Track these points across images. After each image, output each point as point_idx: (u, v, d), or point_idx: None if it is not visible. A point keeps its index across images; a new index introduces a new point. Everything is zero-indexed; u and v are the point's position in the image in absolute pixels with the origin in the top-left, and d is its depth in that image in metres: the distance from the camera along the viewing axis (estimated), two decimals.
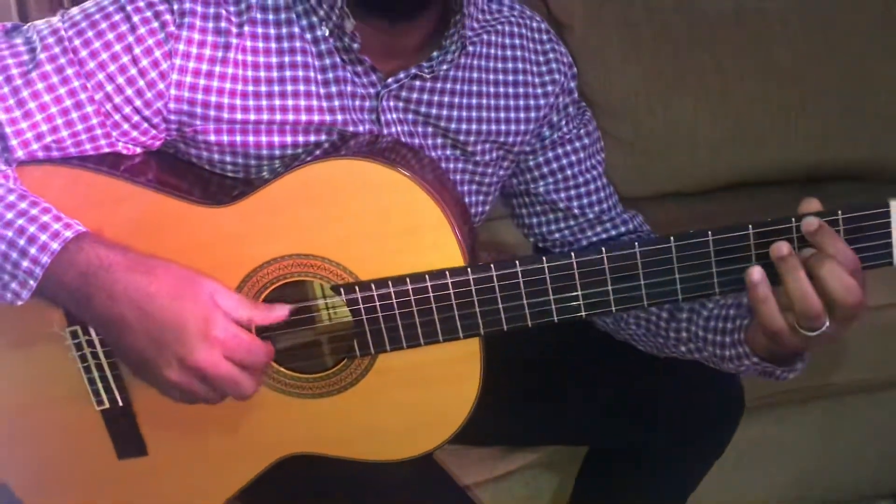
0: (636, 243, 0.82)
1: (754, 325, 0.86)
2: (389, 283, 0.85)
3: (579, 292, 0.84)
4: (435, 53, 0.92)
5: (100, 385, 0.91)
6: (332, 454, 0.93)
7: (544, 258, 0.83)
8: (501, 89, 1.01)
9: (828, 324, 0.78)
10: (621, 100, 1.76)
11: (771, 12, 1.81)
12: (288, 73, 0.89)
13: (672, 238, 0.82)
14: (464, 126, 0.99)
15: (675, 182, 1.82)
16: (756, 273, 0.79)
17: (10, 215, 0.77)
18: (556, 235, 1.08)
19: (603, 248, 0.82)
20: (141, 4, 0.84)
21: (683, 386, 1.08)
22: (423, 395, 0.91)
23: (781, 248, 0.78)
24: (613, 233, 1.08)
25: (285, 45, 0.89)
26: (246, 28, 0.87)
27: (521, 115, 1.02)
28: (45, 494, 0.98)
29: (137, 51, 0.84)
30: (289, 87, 0.89)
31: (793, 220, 0.80)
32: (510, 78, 1.01)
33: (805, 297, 0.77)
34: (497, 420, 1.15)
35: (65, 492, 0.98)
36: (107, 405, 0.92)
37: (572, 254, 0.83)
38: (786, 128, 1.78)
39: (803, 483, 1.59)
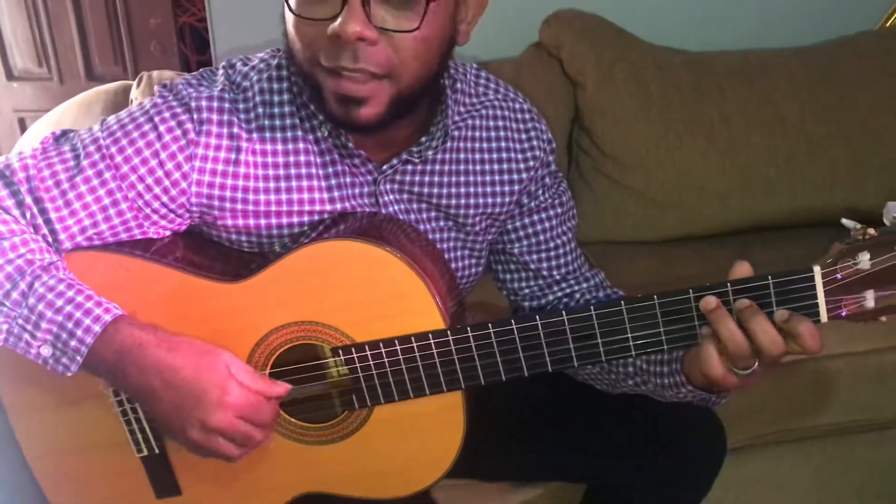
0: (592, 306, 0.93)
1: (689, 360, 0.98)
2: (381, 344, 0.97)
3: (545, 350, 0.95)
4: (423, 139, 1.05)
5: (139, 436, 1.06)
6: (338, 493, 1.06)
7: (513, 320, 0.95)
8: (487, 166, 1.13)
9: (757, 365, 0.90)
10: (633, 152, 1.86)
11: (777, 67, 1.89)
12: (293, 171, 1.03)
13: (623, 301, 0.93)
14: (454, 201, 1.12)
15: (685, 228, 1.90)
16: (705, 329, 0.91)
17: (60, 302, 0.93)
18: (526, 291, 1.20)
19: (563, 311, 0.94)
20: (166, 115, 1.00)
21: (669, 425, 1.17)
22: (415, 442, 1.03)
23: (710, 302, 0.90)
24: (576, 287, 1.19)
25: (290, 146, 1.03)
26: (255, 134, 1.02)
27: (507, 187, 1.14)
28: None
29: (163, 155, 0.99)
30: (294, 182, 1.03)
31: (728, 284, 0.90)
32: (494, 155, 1.13)
33: (735, 341, 0.89)
34: (499, 456, 1.27)
35: None
36: (145, 452, 1.07)
37: (537, 316, 0.94)
38: (792, 176, 1.86)
39: None
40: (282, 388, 0.98)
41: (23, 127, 2.73)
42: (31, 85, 2.71)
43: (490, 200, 1.14)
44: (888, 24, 2.14)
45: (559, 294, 1.20)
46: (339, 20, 0.86)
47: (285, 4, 0.91)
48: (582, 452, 1.24)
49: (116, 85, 1.70)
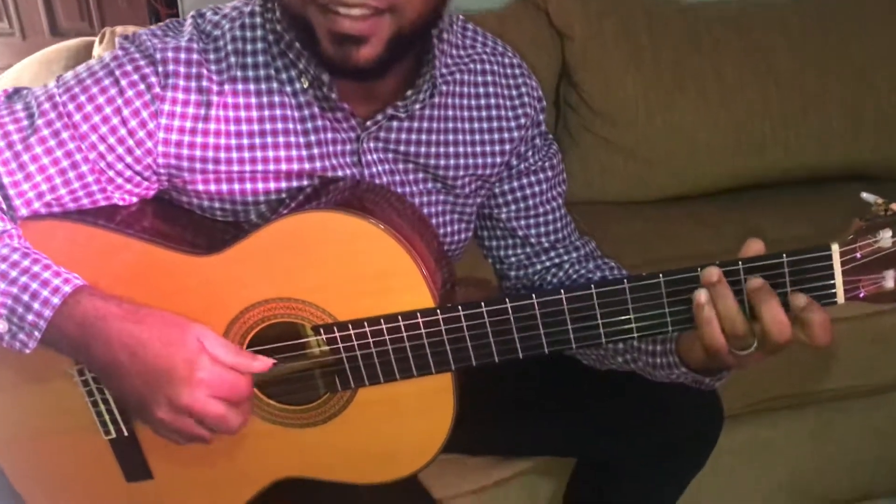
0: (592, 285, 0.87)
1: (685, 339, 0.93)
2: (365, 323, 0.91)
3: (541, 331, 0.89)
4: (409, 92, 0.97)
5: (106, 417, 0.99)
6: (320, 478, 1.00)
7: (507, 299, 0.89)
8: (476, 125, 1.06)
9: (755, 346, 0.85)
10: (622, 107, 1.80)
11: (772, 18, 1.82)
12: (268, 126, 0.95)
13: (626, 280, 0.86)
14: (442, 161, 1.05)
15: (677, 187, 1.85)
16: (702, 296, 0.84)
17: (14, 273, 0.85)
18: (513, 259, 1.14)
19: (562, 291, 0.87)
20: (128, 68, 0.91)
21: (663, 402, 1.12)
22: (401, 425, 0.97)
23: (712, 275, 0.83)
24: (565, 257, 1.14)
25: (265, 99, 0.95)
26: (226, 86, 0.93)
27: (497, 147, 1.07)
28: None
29: (126, 112, 0.91)
30: (269, 139, 0.95)
31: (739, 262, 0.84)
32: (483, 113, 1.06)
33: (731, 319, 0.83)
34: (487, 431, 1.22)
35: None
36: (113, 435, 1.00)
37: (533, 295, 0.88)
38: (786, 132, 1.80)
39: (799, 485, 1.63)
40: (263, 362, 0.90)
41: None
42: None
43: (480, 161, 1.07)
44: None
45: (547, 263, 1.14)
46: None
47: None
48: (571, 425, 1.20)
49: (78, 41, 1.60)
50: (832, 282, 0.83)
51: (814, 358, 1.47)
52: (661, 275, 0.86)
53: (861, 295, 0.84)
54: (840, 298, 0.84)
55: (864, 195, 0.84)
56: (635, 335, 0.88)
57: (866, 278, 0.83)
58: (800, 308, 0.82)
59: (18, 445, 1.03)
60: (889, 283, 0.83)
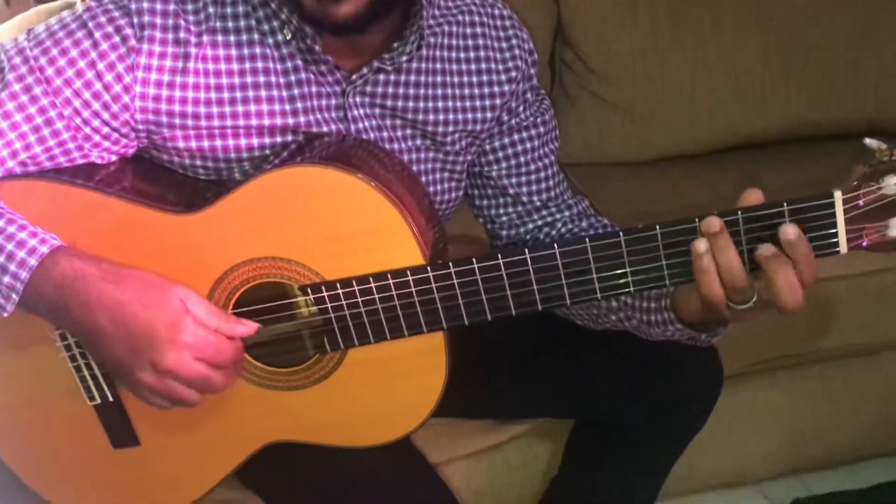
0: (587, 238, 0.84)
1: (680, 294, 0.90)
2: (353, 282, 0.88)
3: (535, 287, 0.87)
4: (395, 44, 0.94)
5: (90, 382, 0.97)
6: (310, 442, 0.98)
7: (500, 255, 0.86)
8: (466, 78, 1.03)
9: (755, 300, 0.82)
10: (618, 65, 1.75)
11: None
12: (249, 79, 0.92)
13: (622, 233, 0.83)
14: (431, 116, 1.01)
15: (675, 145, 1.81)
16: (701, 245, 0.81)
17: None
18: (504, 218, 1.11)
19: (555, 245, 0.85)
20: (102, 20, 0.88)
21: (662, 362, 1.10)
22: (392, 387, 0.95)
23: (712, 225, 0.80)
24: (558, 216, 1.11)
25: (245, 51, 0.91)
26: (205, 37, 0.90)
27: (487, 102, 1.04)
28: (52, 483, 1.05)
29: (101, 66, 0.87)
30: (251, 93, 0.92)
31: (739, 212, 0.81)
32: (473, 66, 1.03)
33: (731, 272, 0.80)
34: (483, 394, 1.20)
35: (70, 479, 1.05)
36: (98, 401, 0.98)
37: (526, 250, 0.85)
38: (787, 87, 1.76)
39: (799, 445, 1.61)
40: (247, 326, 0.88)
41: None
42: None
43: (470, 116, 1.03)
44: None
45: (539, 222, 1.11)
46: None
47: None
48: (569, 386, 1.18)
49: (60, 3, 1.55)
50: (834, 230, 0.80)
51: (814, 318, 1.45)
52: (657, 226, 0.83)
53: (864, 244, 0.81)
54: (843, 248, 0.81)
55: (868, 141, 0.81)
56: (631, 289, 0.85)
57: (870, 226, 0.80)
58: (788, 243, 0.79)
59: (1, 414, 1.00)
60: (893, 232, 0.80)
